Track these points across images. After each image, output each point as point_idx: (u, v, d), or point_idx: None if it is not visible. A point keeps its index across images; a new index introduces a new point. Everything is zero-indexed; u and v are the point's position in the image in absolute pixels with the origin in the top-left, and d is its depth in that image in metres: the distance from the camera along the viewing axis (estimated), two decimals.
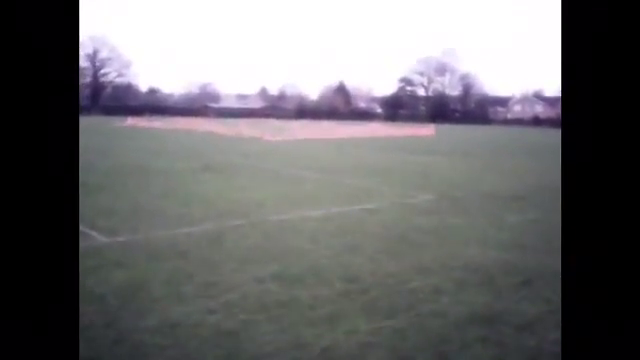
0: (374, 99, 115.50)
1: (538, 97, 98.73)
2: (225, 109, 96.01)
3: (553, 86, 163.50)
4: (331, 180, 13.00)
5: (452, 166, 17.50)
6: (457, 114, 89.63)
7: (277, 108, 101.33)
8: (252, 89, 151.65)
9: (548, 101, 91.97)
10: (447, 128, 61.22)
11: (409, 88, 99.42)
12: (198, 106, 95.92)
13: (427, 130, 41.86)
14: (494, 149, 27.56)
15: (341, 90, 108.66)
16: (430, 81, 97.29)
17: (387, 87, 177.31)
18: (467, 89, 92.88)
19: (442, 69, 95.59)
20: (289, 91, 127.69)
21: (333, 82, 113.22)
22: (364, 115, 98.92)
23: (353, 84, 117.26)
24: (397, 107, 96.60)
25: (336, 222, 8.09)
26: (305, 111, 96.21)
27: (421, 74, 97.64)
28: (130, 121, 44.11)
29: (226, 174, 13.66)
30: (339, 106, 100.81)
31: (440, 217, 8.69)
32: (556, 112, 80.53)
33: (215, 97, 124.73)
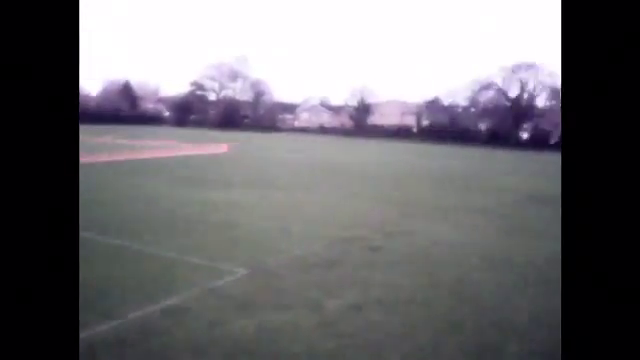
0: (161, 100, 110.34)
1: (324, 105, 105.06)
2: None
3: (339, 95, 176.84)
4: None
5: (259, 212, 16.62)
6: (247, 120, 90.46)
7: None
8: None
9: (333, 109, 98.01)
10: (238, 136, 61.01)
11: (200, 92, 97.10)
12: None
13: (221, 147, 40.64)
14: (295, 173, 27.66)
15: (127, 90, 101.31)
16: (222, 87, 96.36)
17: (175, 88, 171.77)
18: (258, 96, 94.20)
19: (234, 75, 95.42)
20: None
21: (116, 79, 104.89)
22: (153, 119, 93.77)
23: (139, 83, 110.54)
24: (187, 111, 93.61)
25: None
26: (86, 113, 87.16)
27: (212, 79, 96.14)
28: None
29: None
30: (124, 107, 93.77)
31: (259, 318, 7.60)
32: (340, 120, 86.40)
33: None
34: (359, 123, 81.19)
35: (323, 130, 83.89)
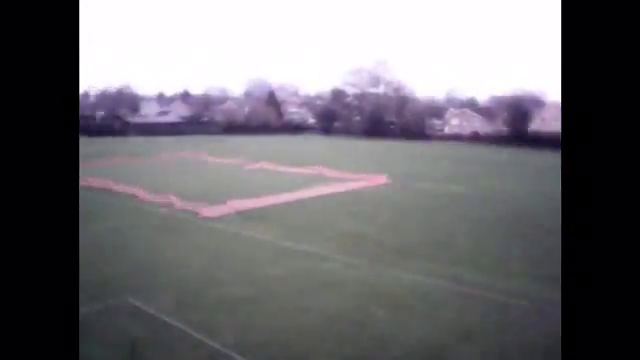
0: (305, 103, 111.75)
1: (473, 106, 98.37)
2: (146, 125, 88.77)
3: (484, 93, 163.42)
4: None
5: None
6: (392, 127, 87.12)
7: (204, 123, 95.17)
8: (173, 90, 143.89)
9: (482, 112, 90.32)
10: (384, 146, 57.99)
11: (343, 100, 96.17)
12: (117, 125, 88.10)
13: (380, 179, 36.56)
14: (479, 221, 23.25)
15: (271, 101, 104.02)
16: (363, 93, 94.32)
17: (314, 88, 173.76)
18: (402, 101, 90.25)
19: (375, 80, 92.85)
20: (214, 94, 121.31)
21: (261, 94, 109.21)
22: (297, 128, 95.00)
23: (280, 85, 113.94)
24: (331, 120, 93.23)
25: None
26: (234, 127, 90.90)
27: (353, 85, 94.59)
28: None
29: None
30: (271, 119, 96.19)
31: None
32: (494, 126, 78.50)
33: (133, 99, 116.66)
34: (517, 130, 72.47)
35: (476, 138, 76.95)
